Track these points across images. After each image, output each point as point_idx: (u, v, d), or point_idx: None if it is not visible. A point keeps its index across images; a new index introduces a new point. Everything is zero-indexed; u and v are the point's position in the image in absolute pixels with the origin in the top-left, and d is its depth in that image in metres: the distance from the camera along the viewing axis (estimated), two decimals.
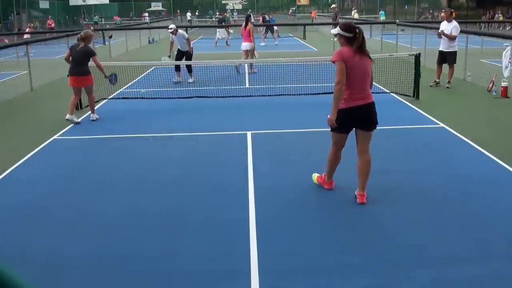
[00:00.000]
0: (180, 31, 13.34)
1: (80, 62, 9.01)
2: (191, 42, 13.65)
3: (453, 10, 12.49)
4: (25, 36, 24.10)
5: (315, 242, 4.34)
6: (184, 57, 13.05)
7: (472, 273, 3.80)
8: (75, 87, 9.18)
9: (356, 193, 5.21)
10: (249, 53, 14.31)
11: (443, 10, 43.66)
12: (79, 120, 9.04)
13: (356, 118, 4.96)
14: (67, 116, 8.86)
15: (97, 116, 9.27)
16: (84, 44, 9.11)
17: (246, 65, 15.11)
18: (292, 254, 4.15)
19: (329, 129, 5.18)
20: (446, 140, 7.50)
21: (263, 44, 24.82)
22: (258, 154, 6.87)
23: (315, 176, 5.66)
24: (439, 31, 11.75)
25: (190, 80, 13.04)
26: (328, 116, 4.93)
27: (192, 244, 4.37)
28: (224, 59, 14.85)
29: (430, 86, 11.80)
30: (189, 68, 13.03)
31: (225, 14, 38.11)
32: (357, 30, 4.84)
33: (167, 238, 4.51)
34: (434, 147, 7.19)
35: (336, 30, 4.95)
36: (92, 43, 9.34)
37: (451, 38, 11.45)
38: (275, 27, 27.48)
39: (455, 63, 11.73)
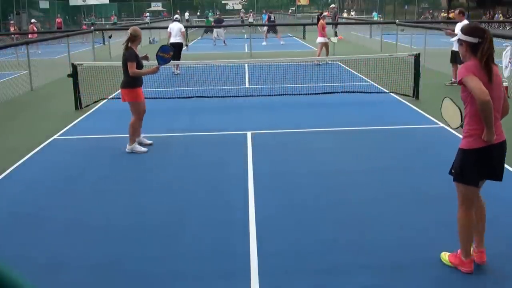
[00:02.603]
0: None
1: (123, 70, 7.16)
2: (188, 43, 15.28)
3: (461, 9, 12.29)
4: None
5: (315, 242, 4.34)
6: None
7: (472, 273, 3.80)
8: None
9: (474, 250, 3.89)
10: (322, 46, 15.92)
11: (452, 11, 43.77)
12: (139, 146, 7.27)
13: (491, 162, 3.63)
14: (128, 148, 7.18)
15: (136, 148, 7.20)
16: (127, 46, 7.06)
17: (246, 65, 15.12)
18: (292, 254, 4.15)
19: (454, 181, 3.76)
20: (446, 140, 7.50)
21: (264, 43, 24.86)
22: (258, 154, 6.87)
23: (445, 255, 3.98)
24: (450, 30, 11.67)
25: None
26: (484, 137, 3.49)
27: (192, 244, 4.37)
28: (224, 59, 14.84)
29: (446, 85, 11.74)
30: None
31: (242, 14, 38.25)
32: (485, 33, 3.57)
33: (167, 238, 4.51)
34: (434, 147, 7.19)
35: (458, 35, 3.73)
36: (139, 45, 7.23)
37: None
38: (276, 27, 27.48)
39: None
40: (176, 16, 16.16)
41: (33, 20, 27.15)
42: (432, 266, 3.91)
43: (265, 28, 27.84)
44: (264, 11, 35.61)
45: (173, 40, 14.31)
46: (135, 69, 6.91)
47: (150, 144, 7.40)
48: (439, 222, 4.70)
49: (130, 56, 6.92)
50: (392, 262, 3.99)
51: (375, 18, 38.30)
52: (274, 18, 28.98)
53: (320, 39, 16.17)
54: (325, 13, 19.92)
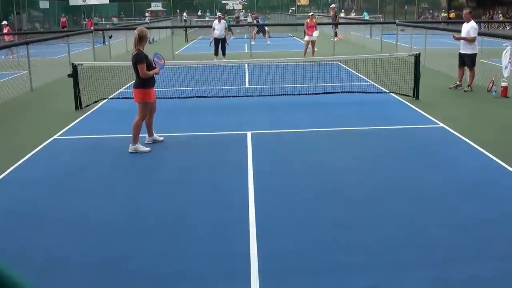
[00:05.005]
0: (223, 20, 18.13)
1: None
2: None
3: (470, 9, 11.94)
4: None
5: (315, 242, 4.35)
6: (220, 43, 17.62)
7: (472, 273, 3.80)
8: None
9: None
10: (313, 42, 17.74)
11: (452, 11, 43.79)
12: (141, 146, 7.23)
13: None
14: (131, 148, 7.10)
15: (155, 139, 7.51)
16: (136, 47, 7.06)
17: (246, 65, 15.13)
18: (292, 254, 4.15)
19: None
20: (445, 140, 7.50)
21: (253, 43, 24.90)
22: (258, 154, 6.87)
23: None
24: (459, 34, 11.40)
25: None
26: None
27: (192, 244, 4.38)
28: (224, 59, 14.84)
29: (450, 88, 11.58)
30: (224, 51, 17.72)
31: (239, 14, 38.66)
32: None
33: (167, 238, 4.51)
34: (433, 147, 7.19)
35: None
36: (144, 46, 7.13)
37: (469, 40, 11.09)
38: (266, 28, 27.63)
39: (473, 65, 11.23)
40: (219, 14, 20.44)
41: (4, 22, 27.05)
42: (432, 266, 3.91)
43: (251, 28, 27.94)
44: (249, 14, 35.96)
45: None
46: (145, 70, 6.93)
47: (162, 141, 7.55)
48: (439, 222, 4.70)
49: (140, 57, 6.92)
50: (392, 262, 3.99)
51: (366, 18, 38.31)
52: (260, 20, 29.36)
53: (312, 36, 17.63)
54: (311, 13, 20.85)
